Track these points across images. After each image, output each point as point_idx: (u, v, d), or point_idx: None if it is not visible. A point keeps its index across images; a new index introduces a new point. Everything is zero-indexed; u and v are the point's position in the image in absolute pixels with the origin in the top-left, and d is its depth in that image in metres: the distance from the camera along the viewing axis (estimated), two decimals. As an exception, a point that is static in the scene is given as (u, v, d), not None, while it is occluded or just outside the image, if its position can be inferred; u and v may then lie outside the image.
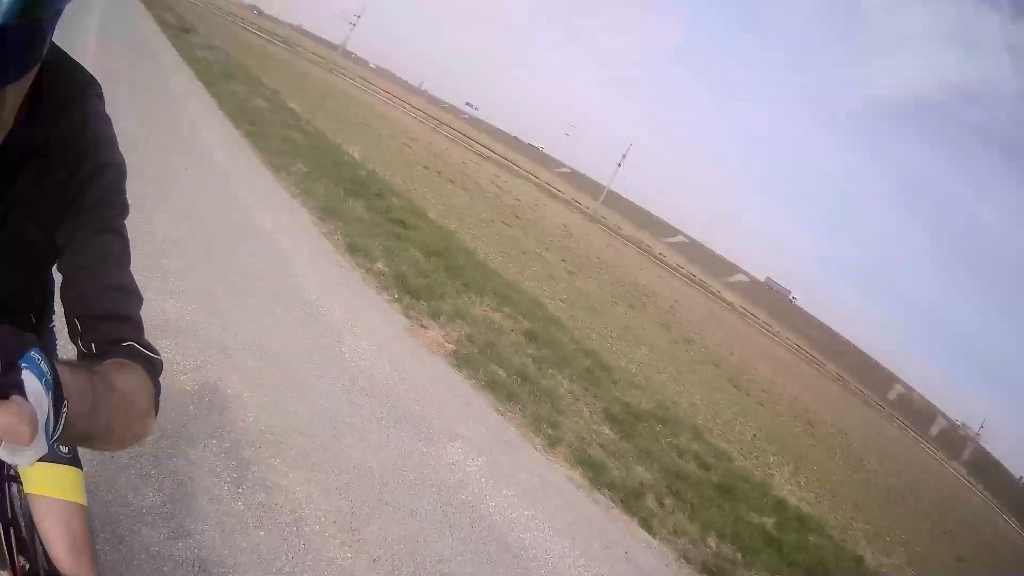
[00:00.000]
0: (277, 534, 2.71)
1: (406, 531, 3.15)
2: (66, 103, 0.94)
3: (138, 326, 0.93)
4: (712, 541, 4.81)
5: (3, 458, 0.54)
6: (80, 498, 1.15)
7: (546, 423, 5.23)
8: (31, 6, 0.68)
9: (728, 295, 64.57)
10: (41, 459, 0.94)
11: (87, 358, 0.88)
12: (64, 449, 1.15)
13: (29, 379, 0.53)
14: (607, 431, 5.88)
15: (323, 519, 2.93)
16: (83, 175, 0.94)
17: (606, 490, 4.68)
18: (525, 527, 3.70)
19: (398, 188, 13.11)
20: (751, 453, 9.29)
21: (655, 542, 4.40)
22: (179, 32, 23.90)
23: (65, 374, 0.59)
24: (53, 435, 0.57)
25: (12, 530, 1.21)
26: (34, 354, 0.54)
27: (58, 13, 0.77)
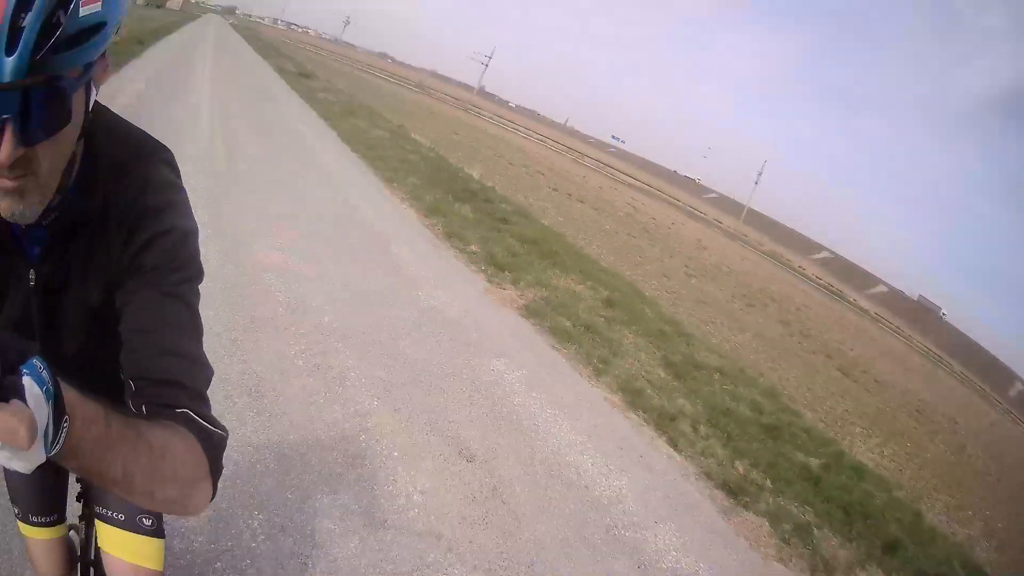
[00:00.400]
0: (322, 382, 3.66)
1: (431, 400, 3.96)
2: (124, 170, 0.95)
3: (196, 396, 0.89)
4: (741, 466, 4.92)
5: (1, 462, 0.54)
6: (156, 565, 1.28)
7: (597, 359, 5.81)
8: (41, 66, 0.70)
9: (864, 303, 59.24)
10: (123, 528, 1.24)
11: None
12: (147, 521, 1.26)
13: (29, 385, 0.53)
14: (661, 373, 6.30)
15: (363, 380, 3.84)
16: (141, 240, 0.94)
17: (641, 411, 5.15)
18: (544, 419, 4.33)
19: (513, 200, 13.94)
20: (835, 423, 9.00)
21: (678, 456, 4.70)
22: (299, 77, 25.98)
23: (71, 395, 0.60)
24: (53, 448, 0.57)
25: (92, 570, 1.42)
26: (36, 363, 0.55)
27: (85, 72, 0.79)
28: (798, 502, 4.75)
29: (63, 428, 0.58)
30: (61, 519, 1.41)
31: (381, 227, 7.82)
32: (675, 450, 4.82)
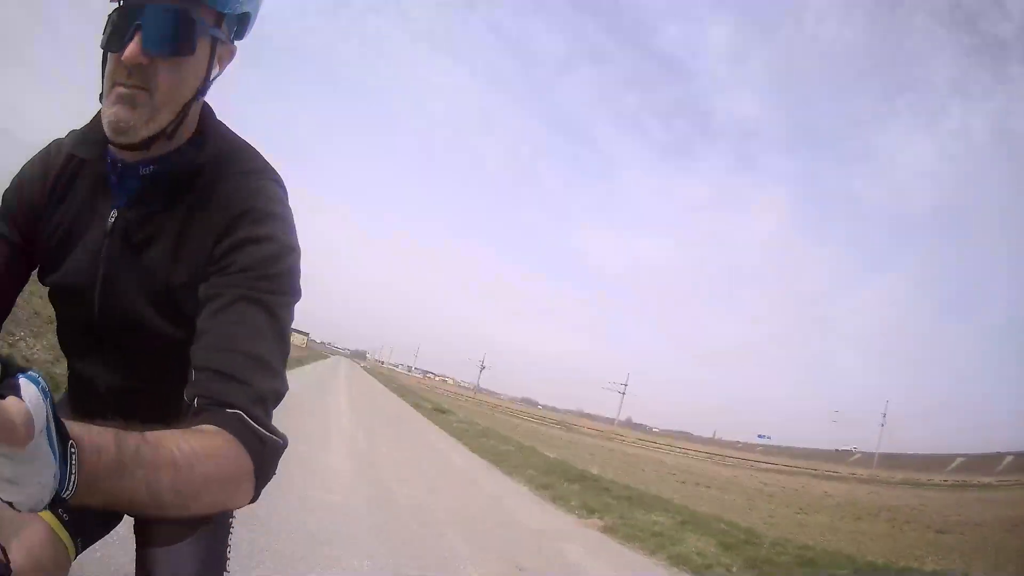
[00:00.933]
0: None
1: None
2: (234, 164, 1.01)
3: (257, 399, 0.87)
4: None
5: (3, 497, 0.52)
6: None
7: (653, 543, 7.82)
8: None
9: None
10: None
11: (181, 417, 0.85)
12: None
13: (26, 385, 0.52)
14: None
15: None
16: (237, 239, 0.94)
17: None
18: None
19: (628, 483, 15.86)
20: None
21: None
22: (435, 412, 29.24)
23: (75, 426, 0.59)
24: (68, 486, 0.56)
25: None
26: (32, 374, 0.54)
27: (216, 24, 0.93)
28: None
29: (72, 459, 0.56)
30: None
31: (504, 497, 10.54)
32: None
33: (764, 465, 62.34)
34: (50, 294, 1.09)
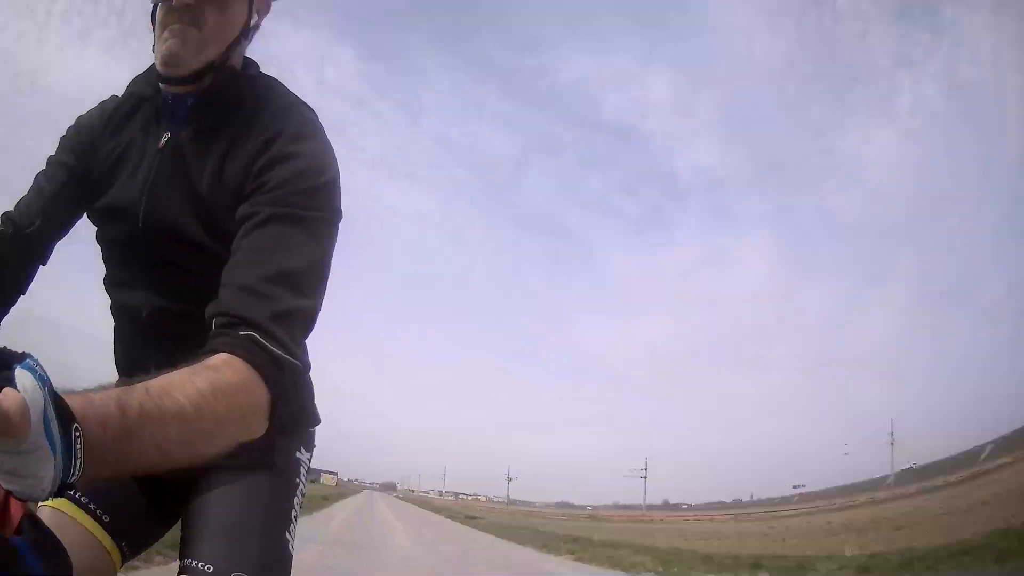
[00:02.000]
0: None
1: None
2: (279, 98, 1.09)
3: (279, 316, 0.86)
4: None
5: (7, 471, 0.52)
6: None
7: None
8: None
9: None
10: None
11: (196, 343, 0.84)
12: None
13: (20, 375, 0.52)
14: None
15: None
16: (278, 153, 0.98)
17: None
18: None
19: (629, 540, 20.81)
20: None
21: None
22: (467, 519, 36.29)
23: (77, 398, 0.59)
24: (73, 470, 0.55)
25: None
26: (29, 362, 0.54)
27: None
28: None
29: (77, 442, 0.55)
30: None
31: (508, 550, 15.64)
32: None
33: (783, 511, 64.30)
34: (99, 227, 1.13)
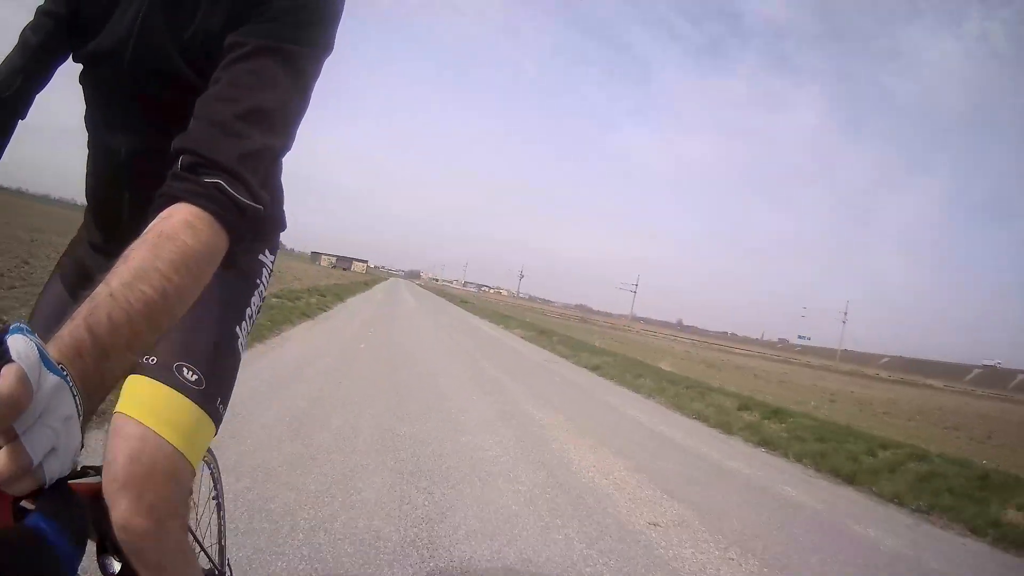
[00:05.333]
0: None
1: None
2: None
3: (248, 156, 0.82)
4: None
5: (23, 439, 0.49)
6: (180, 439, 0.88)
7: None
8: None
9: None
10: (151, 375, 0.89)
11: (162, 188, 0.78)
12: (190, 375, 0.93)
13: (14, 342, 0.50)
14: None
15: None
16: None
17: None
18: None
19: (594, 343, 23.82)
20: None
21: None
22: (462, 302, 48.55)
23: (54, 349, 0.57)
24: (79, 411, 0.54)
25: None
26: (20, 324, 0.52)
27: None
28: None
29: (71, 386, 0.53)
30: None
31: (496, 335, 19.81)
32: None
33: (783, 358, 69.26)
34: (84, 67, 1.06)
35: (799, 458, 6.85)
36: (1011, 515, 5.15)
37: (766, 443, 7.46)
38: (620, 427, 7.12)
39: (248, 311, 1.14)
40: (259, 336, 8.02)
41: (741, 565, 3.36)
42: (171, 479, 0.85)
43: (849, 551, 3.96)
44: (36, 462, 0.50)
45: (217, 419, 0.97)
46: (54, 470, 0.52)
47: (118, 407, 0.86)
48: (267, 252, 1.24)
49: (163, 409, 0.88)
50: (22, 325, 0.52)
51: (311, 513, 2.97)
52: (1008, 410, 32.50)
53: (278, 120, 0.86)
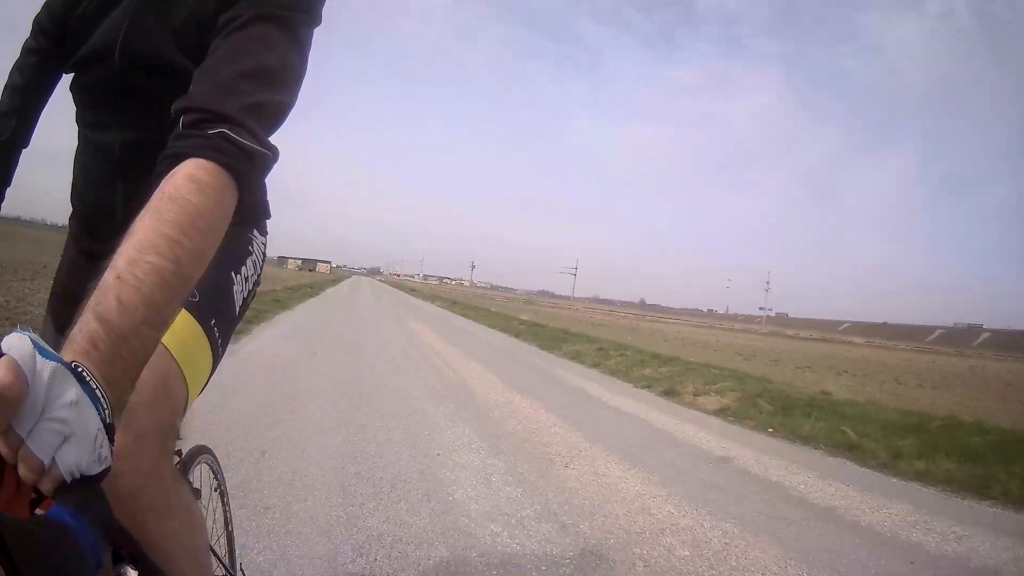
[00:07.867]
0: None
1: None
2: None
3: (251, 107, 0.81)
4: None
5: (26, 439, 0.47)
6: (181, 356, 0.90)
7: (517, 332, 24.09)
8: None
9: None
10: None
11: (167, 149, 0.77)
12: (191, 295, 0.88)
13: (8, 339, 0.48)
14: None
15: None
16: None
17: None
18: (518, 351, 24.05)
19: (531, 317, 30.81)
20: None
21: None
22: (411, 292, 58.91)
23: (67, 352, 0.55)
24: (103, 409, 0.51)
25: None
26: (17, 330, 0.50)
27: None
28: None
29: (84, 373, 0.52)
30: None
31: (439, 313, 27.79)
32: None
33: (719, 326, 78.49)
34: (75, 74, 1.07)
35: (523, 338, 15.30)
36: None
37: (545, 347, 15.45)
38: (452, 325, 19.81)
39: (244, 269, 1.15)
40: (300, 297, 19.64)
41: (497, 381, 9.06)
42: (161, 384, 0.84)
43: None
44: (47, 462, 0.48)
45: (213, 340, 0.98)
46: (70, 461, 0.48)
47: None
48: (256, 232, 1.24)
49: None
50: (21, 330, 0.50)
51: (321, 359, 8.51)
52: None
53: (278, 77, 0.87)
